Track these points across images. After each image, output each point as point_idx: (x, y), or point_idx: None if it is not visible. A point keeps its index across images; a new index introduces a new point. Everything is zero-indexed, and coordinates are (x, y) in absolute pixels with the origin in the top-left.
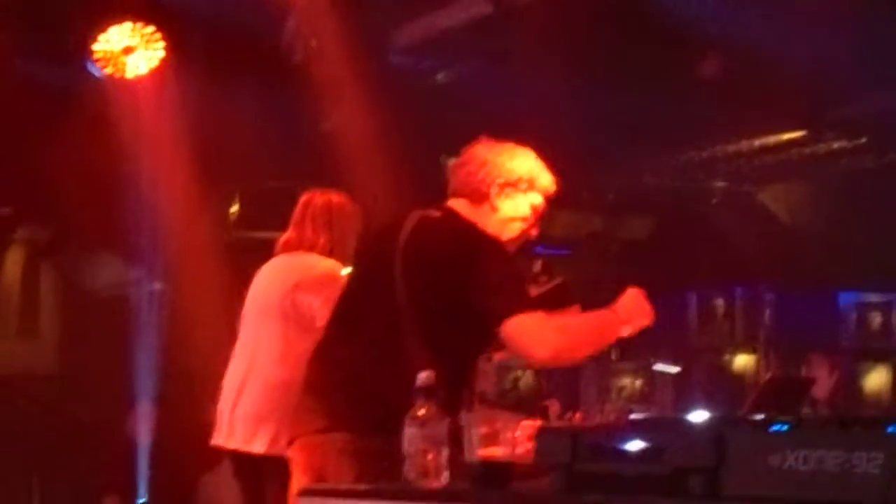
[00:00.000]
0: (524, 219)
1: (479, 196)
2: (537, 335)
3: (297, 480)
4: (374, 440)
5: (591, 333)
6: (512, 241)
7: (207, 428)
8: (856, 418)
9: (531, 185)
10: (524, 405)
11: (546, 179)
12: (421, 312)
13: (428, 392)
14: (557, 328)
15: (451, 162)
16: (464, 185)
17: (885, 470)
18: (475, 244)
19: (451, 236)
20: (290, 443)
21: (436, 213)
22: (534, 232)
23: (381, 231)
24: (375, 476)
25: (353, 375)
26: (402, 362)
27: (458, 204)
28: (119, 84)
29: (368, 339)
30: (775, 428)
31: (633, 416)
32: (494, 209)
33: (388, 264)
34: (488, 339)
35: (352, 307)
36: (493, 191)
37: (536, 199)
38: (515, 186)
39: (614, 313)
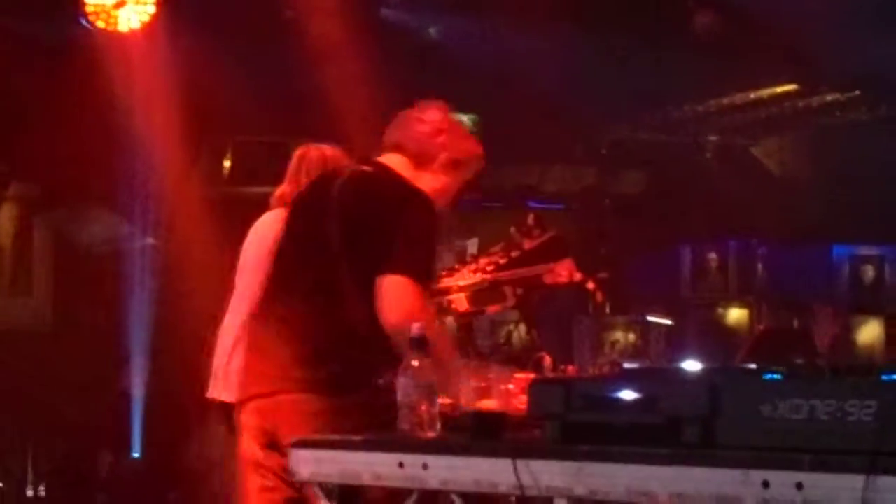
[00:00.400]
0: (451, 194)
1: (425, 159)
2: (402, 302)
3: (248, 445)
4: (327, 399)
5: (443, 363)
6: None
7: (200, 382)
8: (848, 367)
9: (469, 168)
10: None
11: (480, 166)
12: (356, 264)
13: (420, 343)
14: (425, 317)
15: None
16: (411, 142)
17: (878, 418)
18: (408, 196)
19: (386, 189)
20: (237, 407)
21: (368, 168)
22: (450, 206)
23: (313, 187)
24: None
25: (298, 334)
26: (342, 319)
27: (393, 160)
28: (111, 38)
29: (309, 297)
30: (768, 377)
31: (626, 366)
32: (435, 177)
33: (322, 219)
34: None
35: (289, 264)
36: (440, 159)
37: (466, 180)
38: (458, 164)
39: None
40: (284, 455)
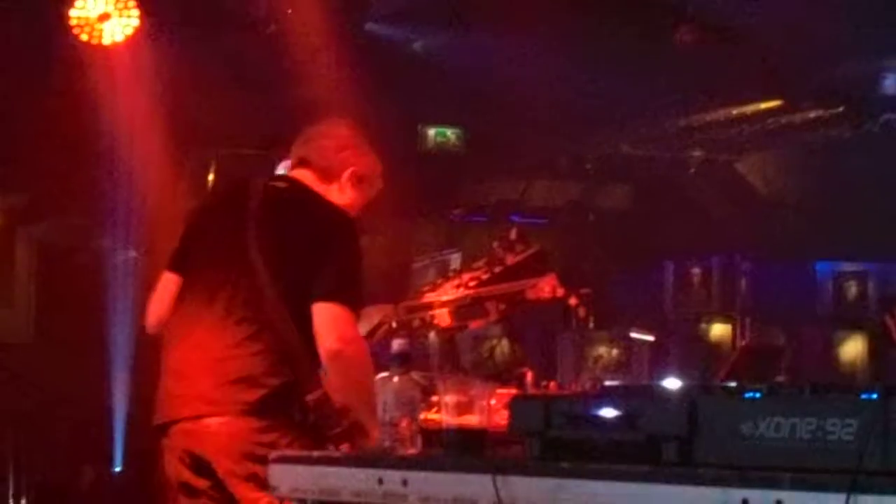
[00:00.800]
0: (356, 210)
1: (330, 175)
2: (348, 331)
3: (174, 468)
4: (249, 422)
5: (367, 390)
6: None
7: None
8: (829, 385)
9: (372, 184)
10: (501, 374)
11: (380, 185)
12: (284, 287)
13: (402, 359)
14: (361, 348)
15: (310, 131)
16: (318, 158)
17: (858, 437)
18: (334, 218)
19: (310, 209)
20: (158, 430)
21: (282, 184)
22: None
23: (221, 205)
24: (260, 456)
25: (220, 359)
26: (268, 340)
27: (304, 175)
28: (95, 52)
29: (229, 319)
30: (748, 395)
31: (606, 384)
32: (341, 192)
33: (241, 241)
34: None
35: (203, 285)
36: (345, 175)
37: (369, 196)
38: (362, 180)
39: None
40: (213, 476)
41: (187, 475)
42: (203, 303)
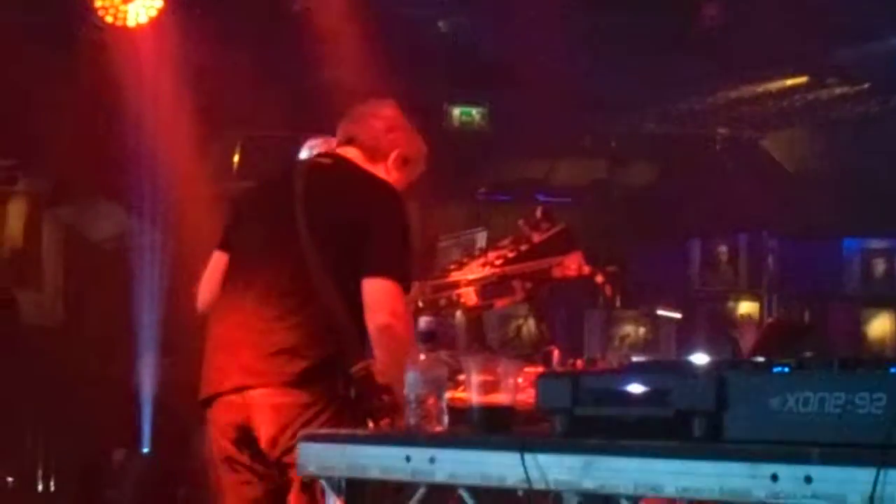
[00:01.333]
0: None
1: (378, 155)
2: (398, 306)
3: (219, 442)
4: (292, 393)
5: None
6: None
7: None
8: (857, 360)
9: (417, 166)
10: (527, 352)
11: (422, 170)
12: (329, 260)
13: (429, 337)
14: (409, 324)
15: (360, 108)
16: (366, 137)
17: (888, 410)
18: (380, 191)
19: (355, 183)
20: (203, 404)
21: (327, 161)
22: None
23: (268, 184)
24: (298, 428)
25: (263, 331)
26: (312, 313)
27: (350, 153)
28: (119, 33)
29: (274, 293)
30: (777, 370)
31: (633, 360)
32: (387, 173)
33: (288, 215)
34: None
35: (250, 261)
36: (392, 156)
37: (412, 179)
38: (407, 163)
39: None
40: (256, 450)
41: (231, 449)
42: (248, 279)
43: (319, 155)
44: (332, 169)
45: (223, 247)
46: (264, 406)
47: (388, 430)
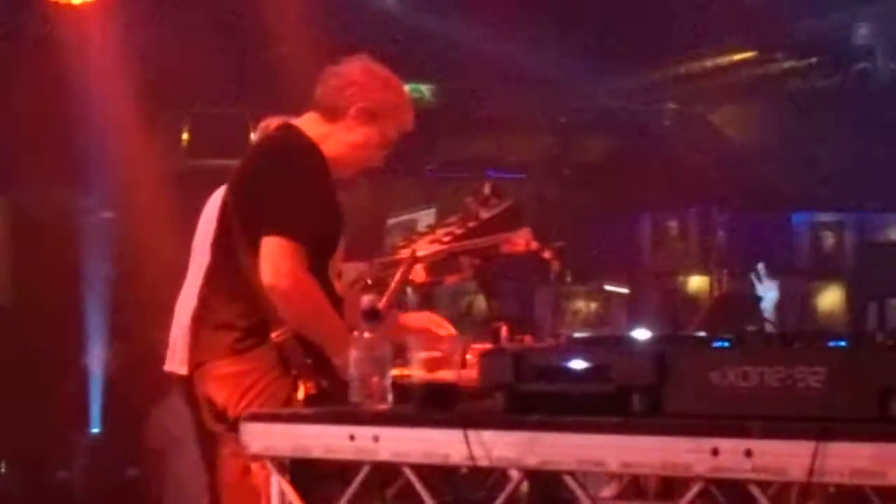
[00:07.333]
0: (372, 147)
1: (335, 113)
2: (283, 264)
3: (205, 416)
4: (231, 364)
5: (325, 320)
6: (353, 164)
7: (159, 358)
8: (797, 334)
9: (391, 118)
10: (477, 328)
11: (408, 117)
12: (244, 226)
13: (372, 315)
14: (307, 281)
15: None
16: (323, 98)
17: (827, 384)
18: (283, 151)
19: (267, 147)
20: (189, 381)
21: (276, 133)
22: (378, 161)
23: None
24: (238, 397)
25: (210, 306)
26: (240, 284)
27: (306, 119)
28: (65, 11)
29: (210, 270)
30: (717, 345)
31: (575, 336)
32: (348, 129)
33: (228, 191)
34: (325, 250)
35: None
36: (351, 112)
37: (391, 132)
38: (374, 116)
39: (345, 337)
40: (227, 422)
41: (210, 423)
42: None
43: (277, 127)
44: (263, 138)
45: None
46: (212, 378)
47: (330, 409)
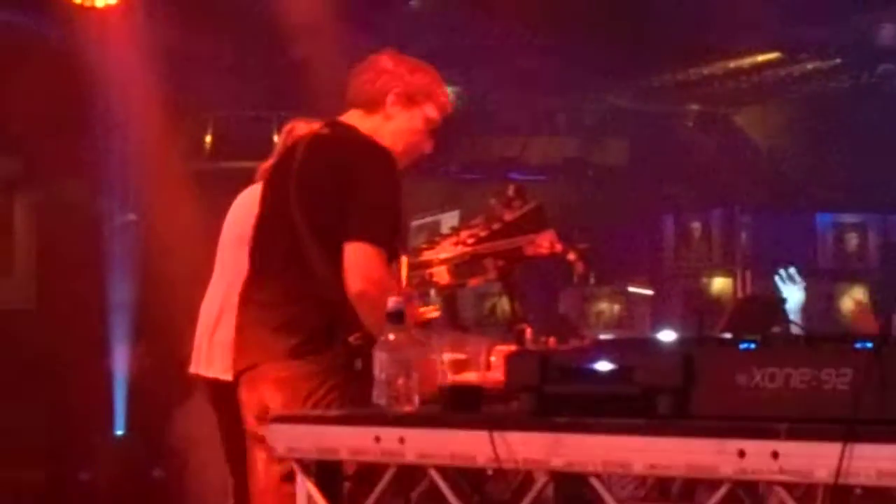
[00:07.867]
0: (417, 132)
1: (374, 105)
2: (374, 272)
3: (248, 420)
4: (292, 367)
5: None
6: (405, 153)
7: (183, 360)
8: (824, 336)
9: (428, 98)
10: (501, 330)
11: (444, 96)
12: (317, 230)
13: (398, 317)
14: (386, 283)
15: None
16: (359, 94)
17: (853, 386)
18: (363, 154)
19: (340, 149)
20: (234, 384)
21: (326, 131)
22: (427, 147)
23: (279, 159)
24: (300, 402)
25: (267, 307)
26: (309, 286)
27: (350, 116)
28: (88, 13)
29: (280, 268)
30: (743, 346)
31: (601, 338)
32: (388, 118)
33: (285, 190)
34: (391, 253)
35: (262, 241)
36: (389, 100)
37: (432, 113)
38: (412, 99)
39: None
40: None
41: (256, 426)
42: (258, 260)
43: (322, 125)
44: (326, 137)
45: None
46: (268, 381)
47: (356, 411)
